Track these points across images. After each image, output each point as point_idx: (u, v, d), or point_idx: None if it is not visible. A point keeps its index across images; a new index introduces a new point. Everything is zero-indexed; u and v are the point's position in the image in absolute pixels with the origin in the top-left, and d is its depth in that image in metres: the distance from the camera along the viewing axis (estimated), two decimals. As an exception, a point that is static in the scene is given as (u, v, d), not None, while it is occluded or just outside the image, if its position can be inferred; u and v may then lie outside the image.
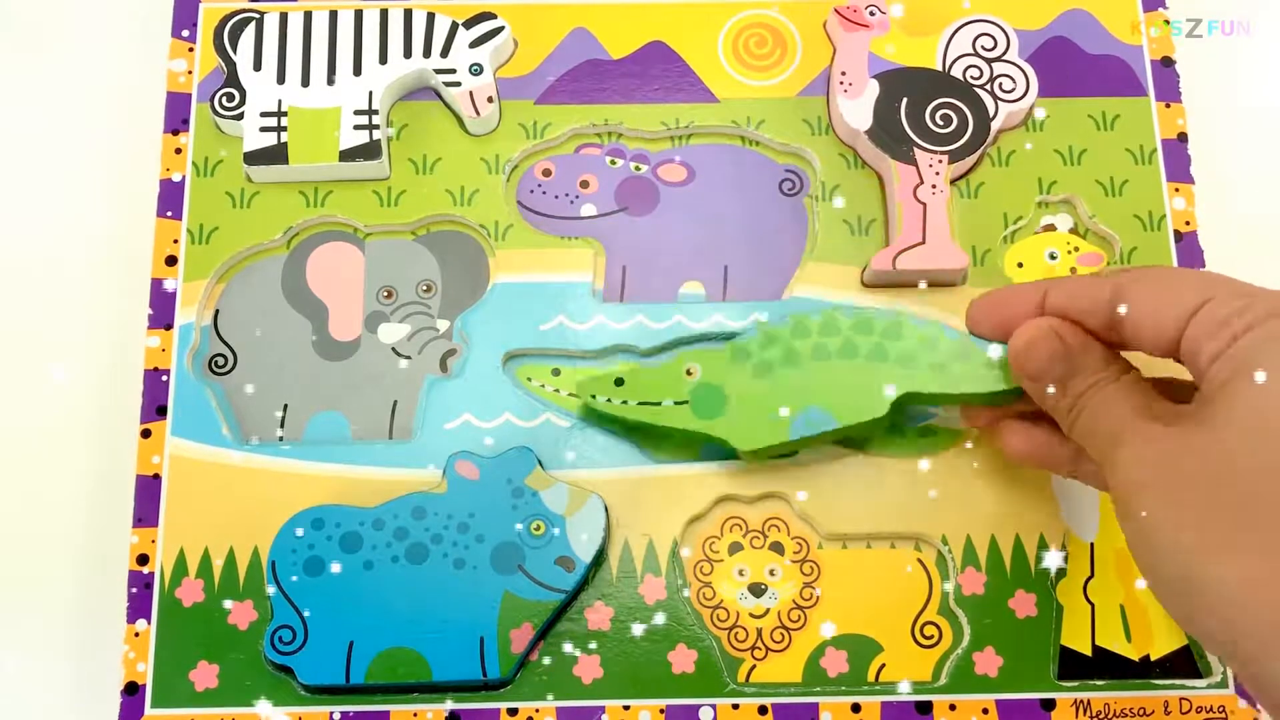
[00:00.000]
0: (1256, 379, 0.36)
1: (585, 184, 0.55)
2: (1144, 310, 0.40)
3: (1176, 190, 0.55)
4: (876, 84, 0.55)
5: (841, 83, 0.55)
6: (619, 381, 0.50)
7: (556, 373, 0.52)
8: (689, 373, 0.49)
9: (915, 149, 0.54)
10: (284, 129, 0.54)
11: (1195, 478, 0.36)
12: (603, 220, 0.55)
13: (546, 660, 0.48)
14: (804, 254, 0.54)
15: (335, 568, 0.48)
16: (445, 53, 0.55)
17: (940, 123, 0.54)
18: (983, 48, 0.55)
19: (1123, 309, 0.41)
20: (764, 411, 0.48)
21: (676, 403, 0.49)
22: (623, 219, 0.55)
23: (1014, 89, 0.55)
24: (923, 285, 0.53)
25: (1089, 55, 0.56)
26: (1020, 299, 0.45)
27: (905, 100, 0.54)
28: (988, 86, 0.55)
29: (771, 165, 0.56)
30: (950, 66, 0.55)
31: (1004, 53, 0.55)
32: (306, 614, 0.47)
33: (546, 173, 0.55)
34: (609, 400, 0.50)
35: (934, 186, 0.53)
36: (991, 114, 0.54)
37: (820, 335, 0.49)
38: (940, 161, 0.54)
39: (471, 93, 0.55)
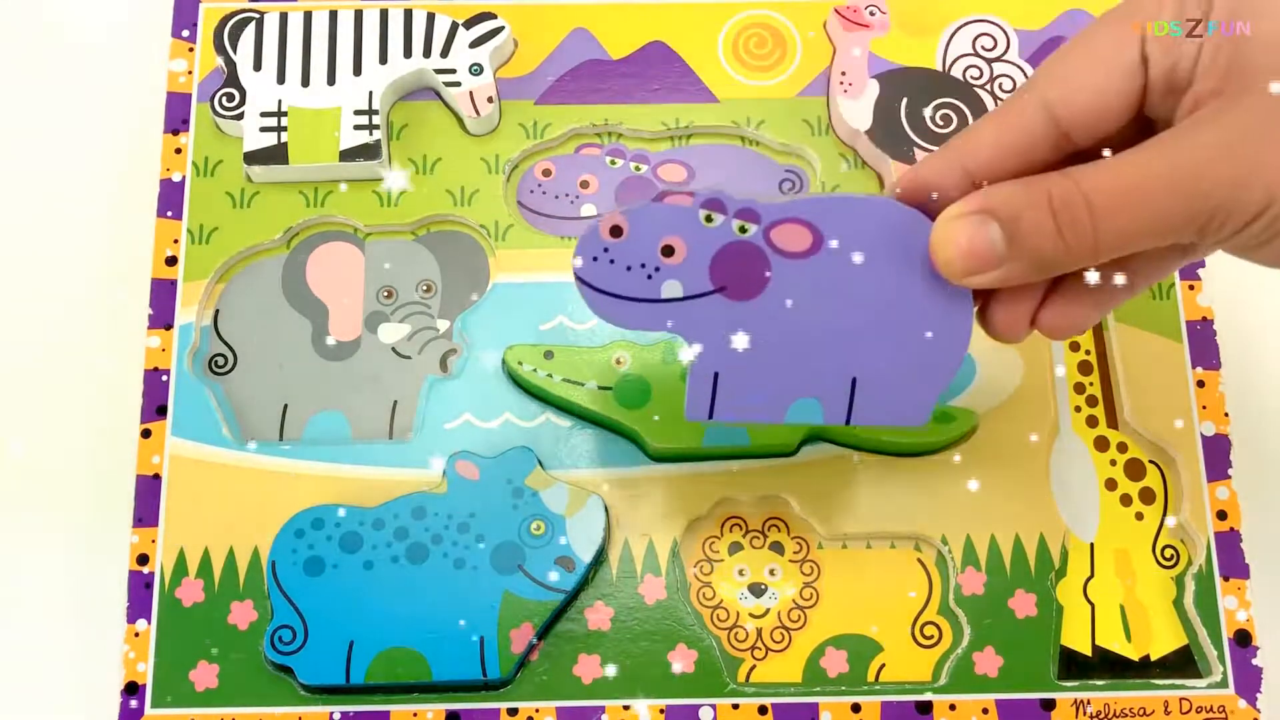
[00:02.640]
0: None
1: (585, 184, 0.55)
2: (1077, 87, 0.36)
3: (1176, 190, 0.55)
4: (876, 84, 0.55)
5: (841, 83, 0.55)
6: (549, 355, 0.51)
7: (549, 355, 0.52)
8: (618, 361, 0.50)
9: (915, 149, 0.54)
10: (284, 129, 0.54)
11: None
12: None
13: (546, 660, 0.48)
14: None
15: (334, 568, 0.48)
16: (445, 53, 0.55)
17: (940, 123, 0.54)
18: (983, 48, 0.55)
19: (1057, 108, 0.36)
20: (682, 415, 0.45)
21: (600, 387, 0.50)
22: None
23: (1013, 88, 0.55)
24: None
25: (1089, 55, 0.56)
26: (936, 173, 0.38)
27: (905, 100, 0.54)
28: (988, 86, 0.55)
29: (771, 165, 0.56)
30: (950, 66, 0.55)
31: (1004, 53, 0.55)
32: (306, 614, 0.47)
33: (546, 173, 0.55)
34: (534, 370, 0.50)
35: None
36: (991, 114, 0.54)
37: None
38: (940, 161, 0.54)
39: (471, 93, 0.55)
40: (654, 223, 0.40)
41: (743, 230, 0.40)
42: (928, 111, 0.54)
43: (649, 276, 0.40)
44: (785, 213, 0.40)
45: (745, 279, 0.40)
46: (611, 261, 0.40)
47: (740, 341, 0.40)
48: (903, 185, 0.39)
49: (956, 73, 0.55)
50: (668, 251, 0.40)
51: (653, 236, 0.40)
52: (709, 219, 0.40)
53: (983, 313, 0.40)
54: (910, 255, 0.39)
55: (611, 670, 0.48)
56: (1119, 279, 0.38)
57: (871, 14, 0.56)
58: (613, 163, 0.55)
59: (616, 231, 0.40)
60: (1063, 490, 0.51)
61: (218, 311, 0.53)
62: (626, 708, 0.48)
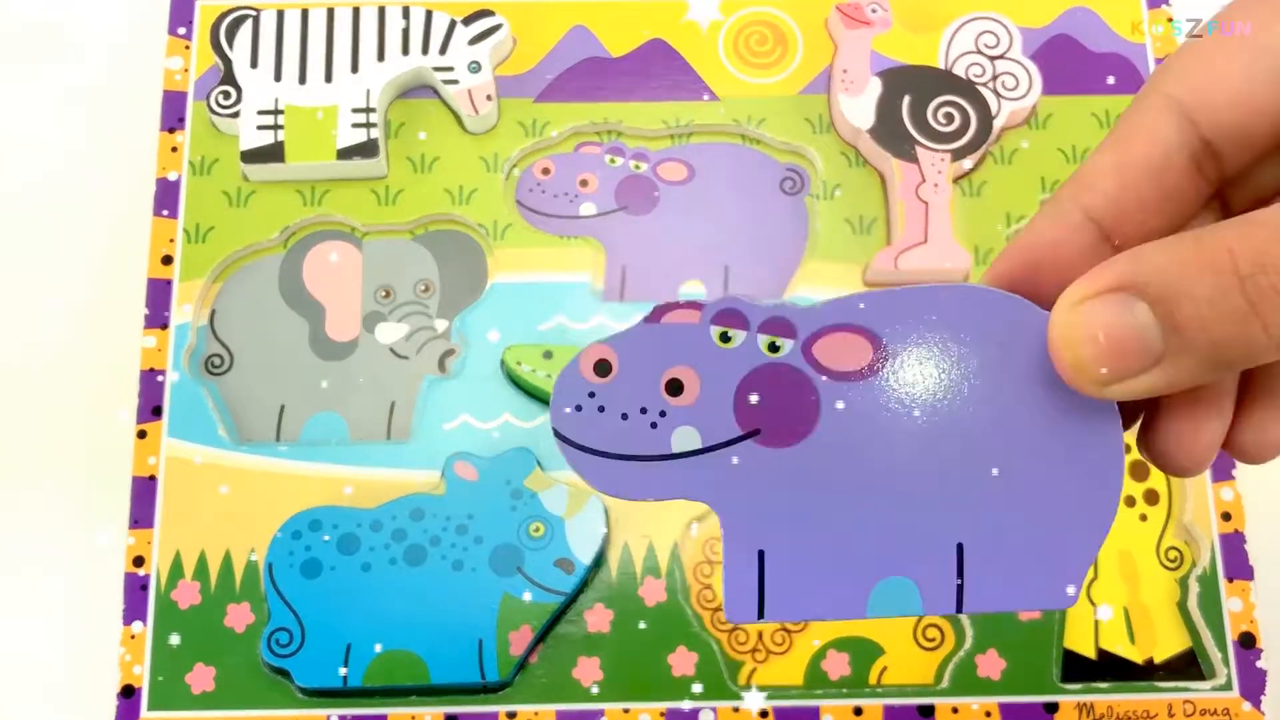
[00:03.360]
0: None
1: (585, 183, 0.55)
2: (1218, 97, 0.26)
3: (1180, 189, 0.54)
4: (878, 82, 0.54)
5: (843, 80, 0.54)
6: (548, 355, 0.50)
7: (549, 355, 0.51)
8: None
9: (917, 147, 0.53)
10: (281, 127, 0.54)
11: None
12: (602, 219, 0.54)
13: (546, 663, 0.48)
14: (804, 253, 0.54)
15: (332, 570, 0.48)
16: (444, 50, 0.55)
17: (942, 121, 0.54)
18: (985, 45, 0.55)
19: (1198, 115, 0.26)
20: None
21: None
22: (622, 218, 0.54)
23: (1017, 86, 0.54)
24: None
25: (1092, 53, 0.56)
26: (1047, 229, 0.28)
27: (907, 98, 0.54)
28: (990, 84, 0.54)
29: (772, 164, 0.55)
30: (953, 64, 0.55)
31: (1007, 50, 0.55)
32: (303, 616, 0.47)
33: (546, 171, 0.55)
34: (533, 371, 0.50)
35: (936, 185, 0.53)
36: (994, 112, 0.54)
37: None
38: (942, 160, 0.53)
39: (470, 91, 0.54)
40: (652, 351, 0.30)
41: (773, 349, 0.30)
42: (930, 109, 0.54)
43: (652, 425, 0.29)
44: (830, 318, 0.29)
45: (786, 416, 0.29)
46: (601, 409, 0.29)
47: (789, 505, 0.29)
48: (1005, 255, 0.29)
49: (959, 70, 0.54)
50: (674, 389, 0.29)
51: (653, 370, 0.29)
52: (724, 338, 0.30)
53: (1144, 435, 0.29)
54: (1019, 362, 0.28)
55: (611, 673, 0.48)
56: None
57: (874, 11, 0.55)
58: (612, 161, 0.55)
59: (604, 368, 0.29)
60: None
61: (214, 311, 0.53)
62: (626, 711, 0.48)
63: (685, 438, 0.29)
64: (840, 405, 0.29)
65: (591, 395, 0.29)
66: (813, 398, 0.29)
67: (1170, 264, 0.24)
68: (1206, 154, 0.27)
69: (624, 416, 0.29)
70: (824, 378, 0.29)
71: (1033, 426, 0.29)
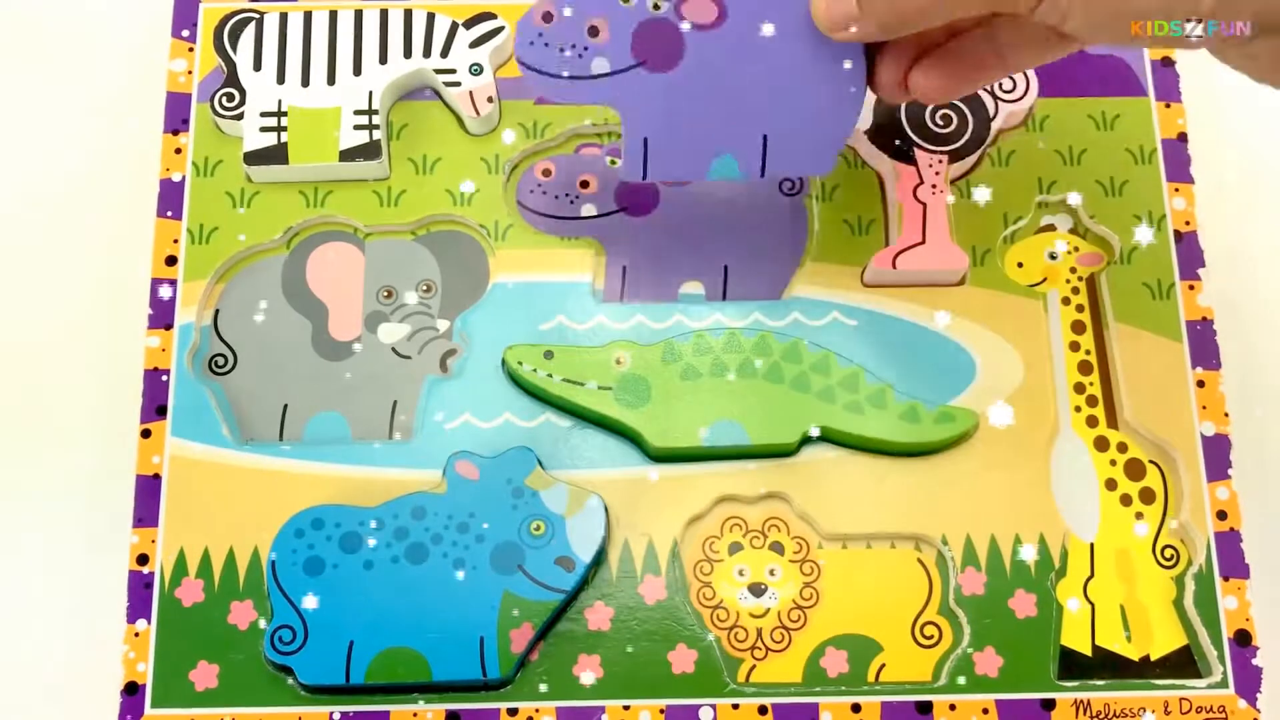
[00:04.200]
0: None
1: (585, 184, 0.55)
2: None
3: (1176, 190, 0.55)
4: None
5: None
6: (549, 354, 0.51)
7: (549, 355, 0.52)
8: (618, 361, 0.51)
9: (915, 149, 0.54)
10: (284, 129, 0.54)
11: None
12: (603, 220, 0.55)
13: (546, 661, 0.48)
14: (804, 254, 0.54)
15: (334, 568, 0.48)
16: (445, 53, 0.55)
17: (940, 123, 0.54)
18: (983, 48, 0.55)
19: None
20: (682, 414, 0.50)
21: (600, 387, 0.50)
22: (623, 219, 0.55)
23: (1014, 89, 0.55)
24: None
25: (1089, 55, 0.56)
26: None
27: (905, 100, 0.54)
28: (989, 86, 0.55)
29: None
30: (950, 66, 0.55)
31: (1004, 52, 0.55)
32: (306, 614, 0.47)
33: (546, 173, 0.55)
34: (535, 370, 0.50)
35: (934, 186, 0.53)
36: (991, 114, 0.54)
37: (751, 354, 0.51)
38: (940, 161, 0.54)
39: (471, 93, 0.55)
40: (579, 6, 0.46)
41: (656, 7, 0.45)
42: (927, 112, 0.54)
43: (579, 56, 0.46)
44: None
45: (663, 51, 0.46)
46: (546, 45, 0.46)
47: (662, 106, 0.46)
48: None
49: (956, 72, 0.55)
50: (593, 32, 0.46)
51: (578, 20, 0.46)
52: (613, 162, 0.49)
53: (870, 76, 0.45)
54: (807, 22, 0.44)
55: (611, 670, 0.48)
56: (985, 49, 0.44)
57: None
58: (613, 162, 0.55)
59: (547, 17, 0.46)
60: (1063, 490, 0.51)
61: (217, 311, 0.53)
62: (626, 708, 0.48)
63: (600, 64, 0.46)
64: (697, 45, 0.45)
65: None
66: (680, 40, 0.46)
67: None
68: None
69: (560, 50, 0.46)
70: (688, 26, 0.45)
71: (812, 62, 0.45)
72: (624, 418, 0.50)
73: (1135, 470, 0.51)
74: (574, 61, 0.46)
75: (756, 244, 0.54)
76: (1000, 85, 0.55)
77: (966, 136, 0.54)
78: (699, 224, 0.55)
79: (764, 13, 0.45)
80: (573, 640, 0.49)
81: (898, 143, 0.54)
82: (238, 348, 0.53)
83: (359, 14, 0.56)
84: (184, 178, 0.54)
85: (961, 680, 0.48)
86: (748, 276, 0.54)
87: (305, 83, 0.55)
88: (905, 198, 0.53)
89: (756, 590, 0.50)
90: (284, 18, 0.56)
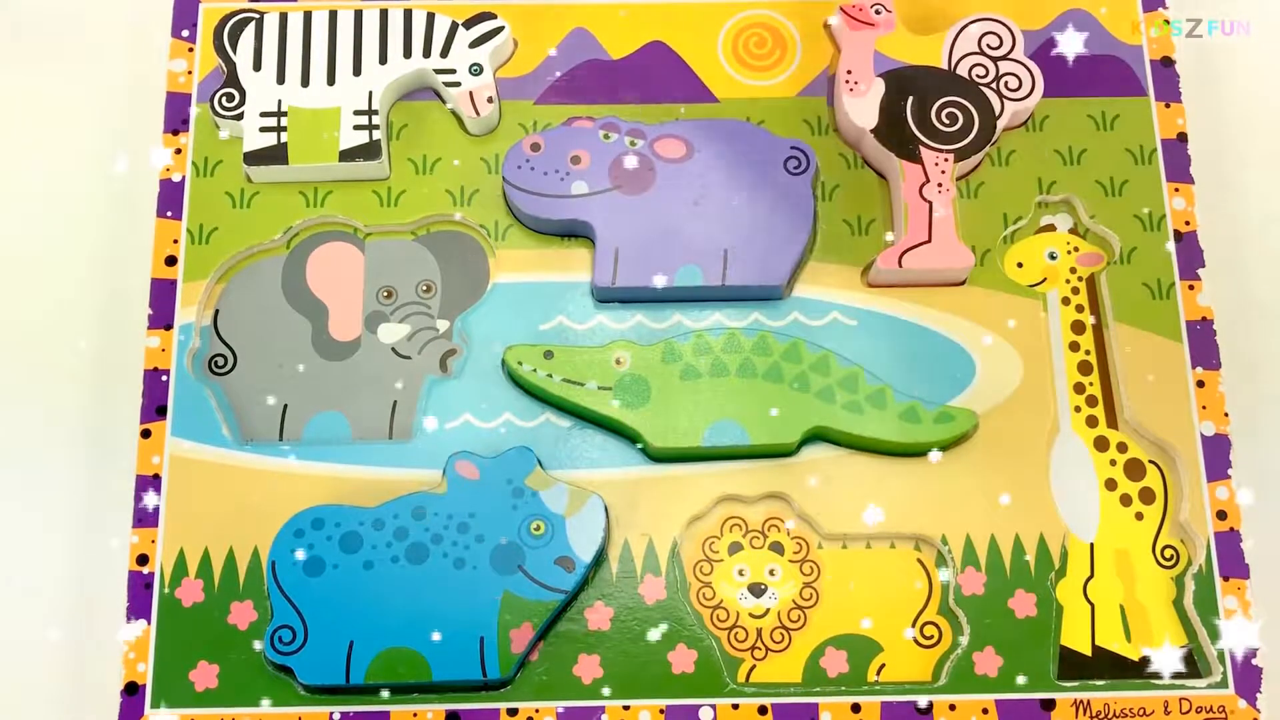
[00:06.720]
0: None
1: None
2: None
3: (1176, 190, 0.55)
4: (882, 82, 0.55)
5: (847, 81, 0.55)
6: (548, 354, 0.51)
7: (549, 355, 0.51)
8: (618, 362, 0.51)
9: (921, 147, 0.54)
10: (284, 129, 0.54)
11: None
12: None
13: (546, 660, 0.48)
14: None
15: (335, 568, 0.48)
16: (445, 53, 0.55)
17: (946, 121, 0.54)
18: (988, 46, 0.55)
19: None
20: (682, 414, 0.50)
21: (600, 387, 0.50)
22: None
23: (1019, 87, 0.55)
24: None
25: (1089, 55, 0.56)
26: None
27: (911, 99, 0.54)
28: (993, 85, 0.54)
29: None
30: (956, 65, 0.55)
31: (1010, 51, 0.55)
32: (306, 614, 0.47)
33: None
34: (534, 370, 0.51)
35: (940, 185, 0.53)
36: (997, 113, 0.54)
37: (751, 353, 0.51)
38: (946, 160, 0.53)
39: (471, 93, 0.55)
40: (564, 140, 0.53)
41: (633, 144, 0.53)
42: (934, 110, 0.54)
43: (561, 179, 0.53)
44: (664, 131, 0.54)
45: (636, 179, 0.53)
46: (532, 169, 0.53)
47: (633, 222, 0.52)
48: None
49: (962, 71, 0.55)
50: (575, 160, 0.53)
51: (563, 150, 0.53)
52: (606, 136, 0.53)
53: None
54: (765, 157, 0.53)
55: (612, 670, 0.48)
56: None
57: (877, 12, 0.56)
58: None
59: (535, 147, 0.53)
60: (1063, 490, 0.51)
61: (217, 312, 0.53)
62: (626, 708, 0.48)
63: (580, 186, 0.53)
64: (666, 175, 0.53)
65: (527, 160, 0.53)
66: (652, 170, 0.53)
67: None
68: None
69: (545, 174, 0.53)
70: (659, 160, 0.53)
71: (767, 190, 0.53)
72: (624, 418, 0.50)
73: (1135, 470, 0.51)
74: (556, 183, 0.53)
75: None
76: (1006, 84, 0.54)
77: (972, 135, 0.54)
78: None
79: (727, 152, 0.53)
80: (573, 640, 0.49)
81: (904, 141, 0.54)
82: (238, 348, 0.53)
83: (359, 14, 0.56)
84: (184, 178, 0.54)
85: (962, 680, 0.48)
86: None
87: (305, 83, 0.55)
88: (911, 196, 0.53)
89: (756, 590, 0.50)
90: (284, 18, 0.56)
